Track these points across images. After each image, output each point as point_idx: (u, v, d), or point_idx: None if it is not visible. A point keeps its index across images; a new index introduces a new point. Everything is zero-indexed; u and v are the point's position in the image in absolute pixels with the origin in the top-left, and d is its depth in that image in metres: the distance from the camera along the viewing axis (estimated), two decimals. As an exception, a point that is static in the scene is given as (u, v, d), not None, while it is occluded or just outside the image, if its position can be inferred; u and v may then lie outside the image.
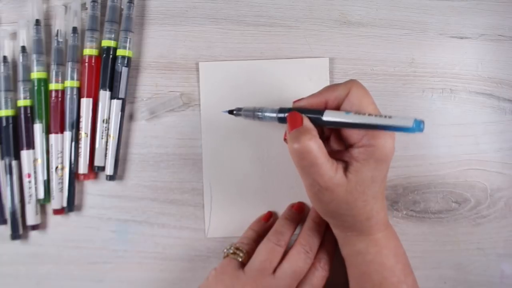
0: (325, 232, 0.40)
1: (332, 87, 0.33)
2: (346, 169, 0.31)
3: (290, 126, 0.32)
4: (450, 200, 0.42)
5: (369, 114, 0.29)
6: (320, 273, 0.37)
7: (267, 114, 0.36)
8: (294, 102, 0.34)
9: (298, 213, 0.40)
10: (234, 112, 0.39)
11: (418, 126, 0.27)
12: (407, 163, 0.42)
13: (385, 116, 0.28)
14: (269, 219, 0.41)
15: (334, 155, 0.32)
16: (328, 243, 0.39)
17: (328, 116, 0.31)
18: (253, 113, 0.37)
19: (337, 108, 0.32)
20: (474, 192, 0.42)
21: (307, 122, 0.32)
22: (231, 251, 0.37)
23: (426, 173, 0.42)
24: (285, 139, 0.36)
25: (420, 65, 0.42)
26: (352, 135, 0.32)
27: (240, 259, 0.37)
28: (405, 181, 0.42)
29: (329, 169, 0.30)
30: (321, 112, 0.31)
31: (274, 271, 0.35)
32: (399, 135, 0.39)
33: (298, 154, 0.30)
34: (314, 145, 0.30)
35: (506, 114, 0.43)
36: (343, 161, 0.32)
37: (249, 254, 0.37)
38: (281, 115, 0.34)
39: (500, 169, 0.42)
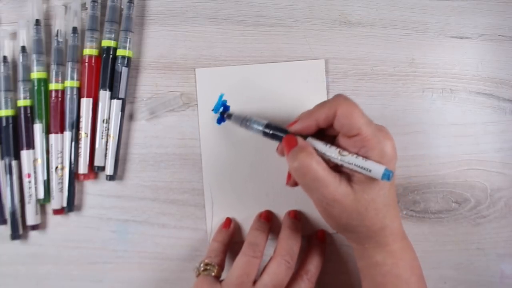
0: (313, 245, 0.40)
1: (320, 108, 0.32)
2: (350, 180, 0.31)
3: (287, 149, 0.32)
4: (450, 200, 0.42)
5: (341, 156, 0.31)
6: (306, 285, 0.37)
7: (254, 126, 0.36)
8: (288, 126, 0.34)
9: (267, 221, 0.40)
10: (225, 115, 0.40)
11: (387, 176, 0.29)
12: (407, 163, 0.42)
13: (359, 166, 0.30)
14: (229, 225, 0.41)
15: (336, 170, 0.32)
16: (316, 256, 0.39)
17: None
18: (241, 122, 0.37)
19: (330, 125, 0.32)
20: (474, 192, 0.42)
21: (301, 141, 0.32)
22: (202, 268, 0.37)
23: (426, 173, 0.42)
24: (277, 150, 0.36)
25: (420, 65, 0.43)
26: (348, 148, 0.31)
27: (213, 274, 0.36)
28: (405, 181, 0.42)
29: (332, 180, 0.31)
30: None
31: (254, 283, 0.35)
32: (399, 136, 0.39)
33: (299, 172, 0.31)
34: (312, 160, 0.30)
35: (506, 114, 0.43)
36: (345, 174, 0.32)
37: (220, 266, 0.37)
38: (267, 130, 0.35)
39: (500, 169, 0.42)
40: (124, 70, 0.41)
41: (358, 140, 0.31)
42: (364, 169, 0.30)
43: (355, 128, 0.30)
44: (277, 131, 0.34)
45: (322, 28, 0.42)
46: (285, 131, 0.34)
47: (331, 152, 0.31)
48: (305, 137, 0.33)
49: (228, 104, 0.41)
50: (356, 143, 0.31)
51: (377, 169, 0.29)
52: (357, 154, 0.31)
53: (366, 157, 0.30)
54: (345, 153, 0.31)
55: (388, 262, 0.33)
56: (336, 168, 0.32)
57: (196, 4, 0.42)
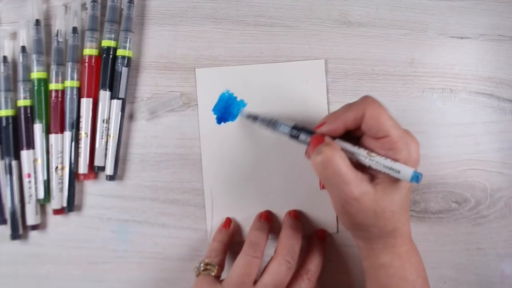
0: (313, 244, 0.40)
1: (347, 109, 0.32)
2: (372, 180, 0.32)
3: (313, 146, 0.32)
4: (450, 200, 0.42)
5: (370, 158, 0.31)
6: (306, 285, 0.37)
7: (281, 127, 0.36)
8: (315, 128, 0.34)
9: (267, 222, 0.40)
10: (251, 118, 0.40)
11: (416, 178, 0.29)
12: (407, 163, 0.42)
13: (388, 168, 0.30)
14: (229, 225, 0.41)
15: (359, 169, 0.32)
16: (316, 256, 0.39)
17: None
18: (267, 124, 0.38)
19: (358, 127, 0.32)
20: (474, 192, 0.42)
21: (328, 139, 0.32)
22: (202, 268, 0.37)
23: (426, 173, 0.42)
24: (305, 154, 0.36)
25: (420, 65, 0.43)
26: (375, 149, 0.32)
27: (213, 273, 0.37)
28: (405, 181, 0.42)
29: (354, 178, 0.30)
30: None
31: (255, 283, 0.35)
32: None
33: (321, 164, 0.30)
34: (336, 154, 0.30)
35: (506, 114, 0.43)
36: (368, 174, 0.32)
37: (220, 266, 0.37)
38: (294, 132, 0.35)
39: (500, 169, 0.42)
40: (124, 70, 0.41)
41: (386, 142, 0.31)
42: (393, 170, 0.30)
43: (383, 130, 0.31)
44: (304, 132, 0.35)
45: (322, 28, 0.42)
46: (312, 133, 0.34)
47: (360, 153, 0.31)
48: (333, 139, 0.33)
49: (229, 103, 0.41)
50: (384, 145, 0.31)
51: (406, 171, 0.30)
52: (385, 156, 0.31)
53: (393, 159, 0.30)
54: (373, 154, 0.31)
55: (394, 263, 0.33)
56: (359, 168, 0.32)
57: (196, 4, 0.42)
